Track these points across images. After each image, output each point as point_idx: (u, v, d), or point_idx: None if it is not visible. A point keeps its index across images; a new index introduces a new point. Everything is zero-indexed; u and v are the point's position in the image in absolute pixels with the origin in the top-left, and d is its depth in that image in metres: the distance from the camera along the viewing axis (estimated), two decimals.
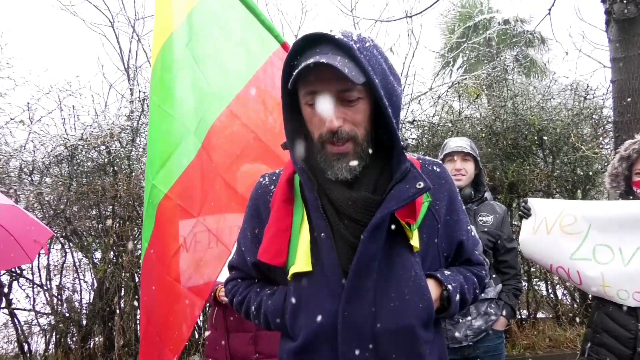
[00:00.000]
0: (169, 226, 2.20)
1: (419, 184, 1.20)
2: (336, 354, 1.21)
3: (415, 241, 1.27)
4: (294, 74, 1.14)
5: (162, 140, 2.23)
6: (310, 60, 1.11)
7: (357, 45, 1.16)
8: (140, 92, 5.38)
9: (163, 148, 2.22)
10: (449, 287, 1.31)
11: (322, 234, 1.24)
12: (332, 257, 1.23)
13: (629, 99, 3.92)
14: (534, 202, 2.62)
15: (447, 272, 1.36)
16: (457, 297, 1.32)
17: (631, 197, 2.46)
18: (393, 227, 1.24)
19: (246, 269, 1.47)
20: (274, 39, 2.63)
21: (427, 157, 1.44)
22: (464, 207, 1.47)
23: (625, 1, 3.83)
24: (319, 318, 1.23)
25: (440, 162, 1.45)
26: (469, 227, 1.44)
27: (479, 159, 2.82)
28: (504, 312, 2.73)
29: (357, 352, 1.20)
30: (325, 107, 1.17)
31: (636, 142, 2.45)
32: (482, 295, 2.66)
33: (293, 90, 1.24)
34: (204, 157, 2.29)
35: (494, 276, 2.77)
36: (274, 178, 1.43)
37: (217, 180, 2.35)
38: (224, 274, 2.33)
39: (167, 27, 2.25)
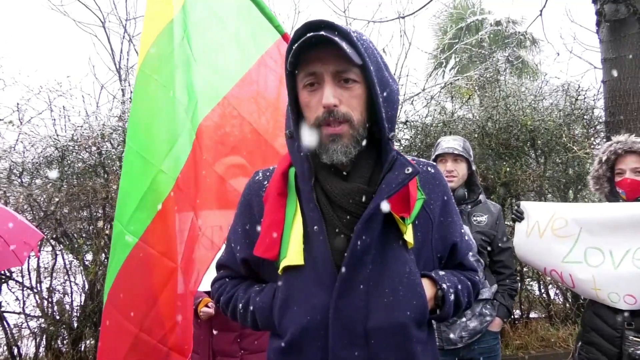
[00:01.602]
0: (176, 220, 1.98)
1: (407, 170, 1.21)
2: (326, 350, 1.19)
3: (409, 236, 1.26)
4: (294, 47, 1.17)
5: (168, 121, 2.04)
6: (310, 34, 1.14)
7: (355, 34, 1.20)
8: (132, 92, 5.34)
9: (169, 130, 2.03)
10: (444, 286, 1.30)
11: (315, 227, 1.24)
12: (324, 249, 1.22)
13: (619, 100, 3.95)
14: (526, 206, 2.61)
15: (441, 273, 1.35)
16: (452, 297, 1.31)
17: (616, 198, 2.49)
18: (387, 220, 1.23)
19: (235, 266, 1.45)
20: (275, 29, 2.56)
21: (421, 159, 1.44)
22: (457, 209, 1.47)
23: (616, 2, 3.86)
24: (309, 313, 1.21)
25: (434, 164, 1.45)
26: (462, 231, 1.44)
27: (471, 159, 2.80)
28: (498, 313, 2.72)
29: (348, 348, 1.19)
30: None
31: (612, 144, 2.49)
32: (478, 296, 2.66)
33: (294, 83, 1.27)
34: (197, 149, 2.18)
35: (481, 281, 2.77)
36: (267, 174, 1.43)
37: (210, 174, 2.24)
38: (205, 283, 2.16)
39: (166, 12, 2.13)
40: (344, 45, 1.13)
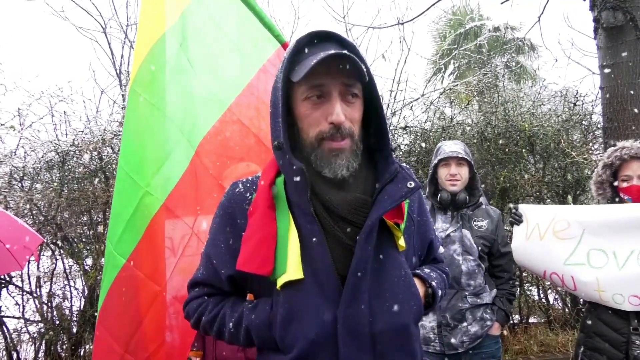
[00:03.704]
0: (165, 241, 1.99)
1: (410, 184, 1.23)
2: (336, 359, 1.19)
3: (401, 241, 1.30)
4: (312, 64, 1.13)
5: (156, 141, 2.01)
6: (332, 51, 1.13)
7: (355, 49, 1.22)
8: None
9: (158, 150, 2.01)
10: (433, 283, 1.39)
11: (314, 239, 1.22)
12: (326, 261, 1.21)
13: (617, 106, 3.97)
14: (525, 209, 2.60)
15: (426, 270, 1.45)
16: (440, 292, 1.42)
17: (617, 202, 2.47)
18: (381, 227, 1.26)
19: (217, 283, 1.38)
20: (274, 39, 2.56)
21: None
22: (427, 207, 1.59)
23: (613, 9, 3.89)
24: (316, 326, 1.19)
25: (404, 164, 1.43)
26: (434, 227, 1.57)
27: (473, 163, 2.82)
28: (497, 317, 2.72)
29: (356, 355, 1.19)
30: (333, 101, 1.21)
31: (618, 149, 2.46)
32: (478, 300, 2.68)
33: (286, 90, 1.25)
34: (198, 165, 2.15)
35: (489, 281, 2.78)
36: (248, 185, 1.37)
37: (215, 189, 2.19)
38: None
39: (158, 27, 2.10)
40: (359, 61, 1.14)
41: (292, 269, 1.20)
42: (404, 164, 1.39)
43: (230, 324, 1.31)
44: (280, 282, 1.21)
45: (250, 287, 1.38)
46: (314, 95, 1.21)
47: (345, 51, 1.14)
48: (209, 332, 1.38)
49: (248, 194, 1.34)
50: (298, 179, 1.21)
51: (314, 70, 1.15)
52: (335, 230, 1.23)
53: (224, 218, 1.36)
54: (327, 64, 1.16)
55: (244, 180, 1.41)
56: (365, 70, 1.17)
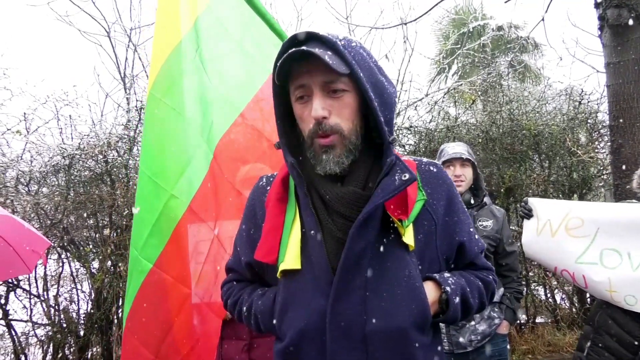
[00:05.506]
0: (189, 243, 2.00)
1: (404, 176, 1.20)
2: (324, 354, 1.19)
3: (409, 239, 1.25)
4: (277, 64, 1.19)
5: (178, 144, 2.04)
6: (292, 49, 1.15)
7: (342, 42, 1.20)
8: (137, 101, 5.38)
9: (180, 154, 2.04)
10: (448, 289, 1.27)
11: (312, 231, 1.25)
12: (321, 254, 1.23)
13: (623, 104, 3.95)
14: (535, 203, 2.56)
15: (446, 275, 1.32)
16: (457, 299, 1.28)
17: None
18: (385, 223, 1.23)
19: (240, 269, 1.47)
20: None
21: (424, 159, 1.43)
22: (465, 208, 1.43)
23: (618, 7, 3.88)
24: (307, 317, 1.22)
25: (437, 162, 1.44)
26: (471, 229, 1.40)
27: (476, 163, 2.83)
28: (505, 316, 2.72)
29: (346, 352, 1.18)
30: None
31: None
32: None
33: (286, 90, 1.29)
34: (216, 168, 2.17)
35: (496, 280, 2.78)
36: (271, 179, 1.44)
37: (231, 193, 2.21)
38: None
39: (174, 35, 2.14)
40: (327, 57, 1.13)
41: (289, 259, 1.26)
42: (407, 156, 1.38)
43: (244, 309, 1.39)
44: (279, 270, 1.27)
45: (266, 276, 1.41)
46: (300, 95, 1.24)
47: (304, 47, 1.14)
48: (233, 314, 1.47)
49: (268, 187, 1.42)
50: (294, 173, 1.28)
51: (297, 71, 1.21)
52: (329, 224, 1.24)
53: (248, 209, 1.46)
54: (308, 64, 1.18)
55: (269, 175, 1.49)
56: (343, 63, 1.16)
